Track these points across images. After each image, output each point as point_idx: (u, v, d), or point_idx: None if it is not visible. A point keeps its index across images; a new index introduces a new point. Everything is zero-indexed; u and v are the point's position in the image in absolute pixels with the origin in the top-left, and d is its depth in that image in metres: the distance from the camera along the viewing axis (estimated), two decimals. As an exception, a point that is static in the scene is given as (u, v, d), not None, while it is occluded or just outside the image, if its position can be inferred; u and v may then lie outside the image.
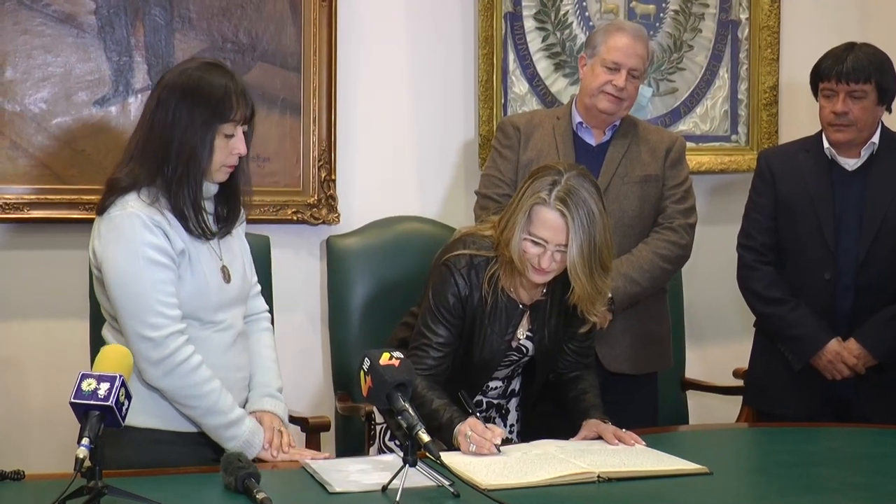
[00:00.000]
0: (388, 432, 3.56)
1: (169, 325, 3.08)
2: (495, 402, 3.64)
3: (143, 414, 3.09)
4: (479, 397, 3.61)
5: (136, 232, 3.08)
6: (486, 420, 3.55)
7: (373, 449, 3.70)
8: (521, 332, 3.53)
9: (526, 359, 3.59)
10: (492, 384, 3.61)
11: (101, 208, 3.17)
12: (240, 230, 3.38)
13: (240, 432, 3.15)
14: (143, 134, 3.16)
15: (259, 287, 3.52)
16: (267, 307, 3.54)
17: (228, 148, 3.15)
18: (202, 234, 3.18)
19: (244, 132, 3.19)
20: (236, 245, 3.34)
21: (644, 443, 3.33)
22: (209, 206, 3.23)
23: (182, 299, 3.14)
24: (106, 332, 3.28)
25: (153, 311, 3.07)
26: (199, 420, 3.16)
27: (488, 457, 3.12)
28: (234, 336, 3.27)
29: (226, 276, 3.25)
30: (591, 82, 4.10)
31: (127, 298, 3.09)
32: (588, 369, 3.67)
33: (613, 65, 4.04)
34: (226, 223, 3.28)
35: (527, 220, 3.33)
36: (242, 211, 3.35)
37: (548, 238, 3.30)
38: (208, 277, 3.19)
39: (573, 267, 3.30)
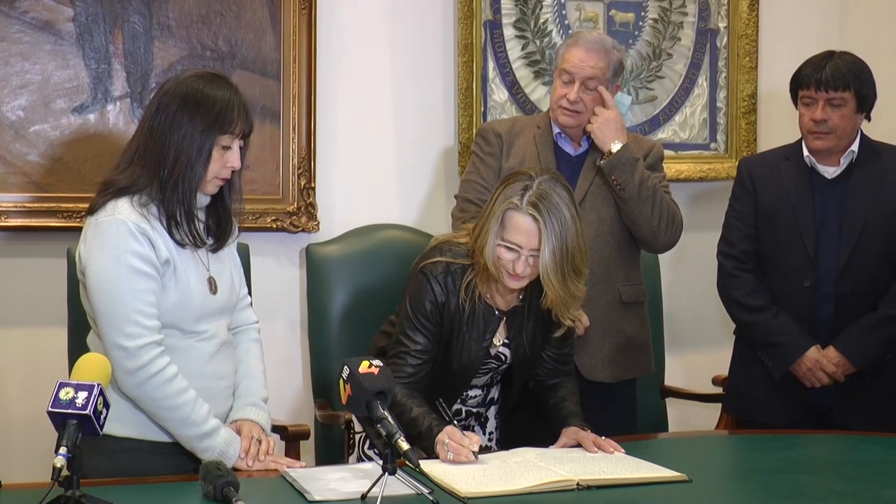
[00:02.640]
0: (367, 441, 3.56)
1: (145, 335, 3.06)
2: (475, 410, 3.63)
3: (117, 423, 3.07)
4: (458, 406, 3.60)
5: (120, 238, 3.07)
6: (465, 428, 3.55)
7: (352, 458, 3.70)
8: (499, 339, 3.53)
9: (504, 366, 3.59)
10: (471, 392, 3.60)
11: (92, 208, 3.15)
12: (230, 241, 3.37)
13: (214, 443, 3.13)
14: (143, 137, 3.16)
15: (249, 299, 3.51)
16: (257, 319, 3.52)
17: (223, 160, 3.15)
18: (192, 242, 3.17)
19: (240, 147, 3.19)
20: (226, 256, 3.33)
21: (623, 450, 3.33)
22: (199, 216, 3.23)
23: (164, 308, 3.12)
24: (90, 339, 3.27)
25: (130, 321, 3.05)
26: (173, 431, 3.14)
27: (468, 465, 3.12)
28: (216, 346, 3.26)
29: (212, 286, 3.24)
30: (552, 96, 4.14)
31: (106, 305, 3.07)
32: (568, 376, 3.67)
33: (567, 77, 4.06)
34: (217, 238, 3.28)
35: (500, 227, 3.34)
36: (236, 226, 3.35)
37: (521, 243, 3.31)
38: (193, 288, 3.17)
39: (545, 271, 3.31)
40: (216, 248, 3.28)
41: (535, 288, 3.45)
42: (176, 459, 3.17)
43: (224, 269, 3.31)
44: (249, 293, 3.54)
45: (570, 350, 3.69)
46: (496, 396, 3.67)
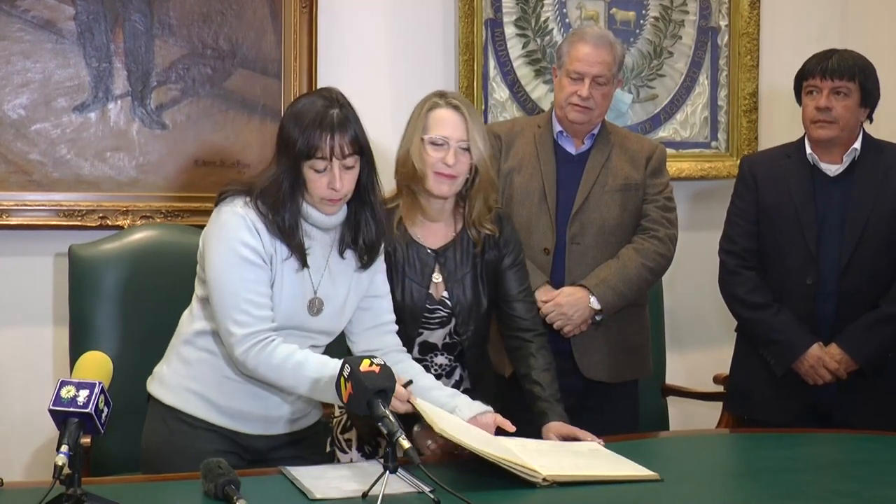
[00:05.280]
0: (341, 425, 3.56)
1: (252, 324, 3.12)
2: None
3: (171, 393, 3.25)
4: None
5: (236, 230, 3.14)
6: None
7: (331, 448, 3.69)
8: (438, 278, 3.57)
9: (454, 317, 3.60)
10: (437, 360, 3.62)
11: (218, 198, 3.23)
12: (373, 270, 3.36)
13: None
14: None
15: (395, 327, 3.46)
16: (401, 344, 3.48)
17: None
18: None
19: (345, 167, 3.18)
20: (350, 281, 3.31)
21: (601, 441, 3.35)
22: (312, 232, 3.24)
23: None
24: (184, 316, 3.37)
25: (239, 309, 3.12)
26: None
27: (457, 418, 3.18)
28: None
29: (314, 308, 3.25)
30: (559, 94, 4.12)
31: (219, 293, 3.15)
32: (539, 337, 3.68)
33: (576, 75, 4.05)
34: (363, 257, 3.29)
35: (424, 127, 3.49)
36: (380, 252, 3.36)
37: (448, 135, 3.46)
38: (283, 301, 3.19)
39: (481, 158, 3.47)
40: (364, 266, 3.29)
41: (464, 235, 3.58)
42: (223, 441, 3.22)
43: (339, 293, 3.29)
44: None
45: (528, 295, 3.71)
46: (469, 386, 3.67)
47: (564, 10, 4.88)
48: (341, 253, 3.28)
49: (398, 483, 2.80)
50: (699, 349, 5.15)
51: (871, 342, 4.05)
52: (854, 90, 4.05)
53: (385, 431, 2.78)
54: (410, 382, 3.13)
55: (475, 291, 3.59)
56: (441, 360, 3.63)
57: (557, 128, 4.14)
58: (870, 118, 4.15)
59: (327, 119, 3.13)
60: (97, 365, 2.77)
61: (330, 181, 3.13)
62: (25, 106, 4.22)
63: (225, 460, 2.82)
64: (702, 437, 3.95)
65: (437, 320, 3.58)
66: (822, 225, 4.09)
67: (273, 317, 3.16)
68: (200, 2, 4.38)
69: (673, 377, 4.84)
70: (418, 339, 3.59)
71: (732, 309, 4.27)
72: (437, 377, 3.55)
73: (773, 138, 4.85)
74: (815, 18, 5.26)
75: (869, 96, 4.08)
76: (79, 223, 4.24)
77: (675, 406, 4.81)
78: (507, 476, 2.98)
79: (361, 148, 3.19)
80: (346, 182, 3.16)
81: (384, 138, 4.71)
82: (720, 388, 4.54)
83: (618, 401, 4.11)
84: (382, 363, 2.87)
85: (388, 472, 2.77)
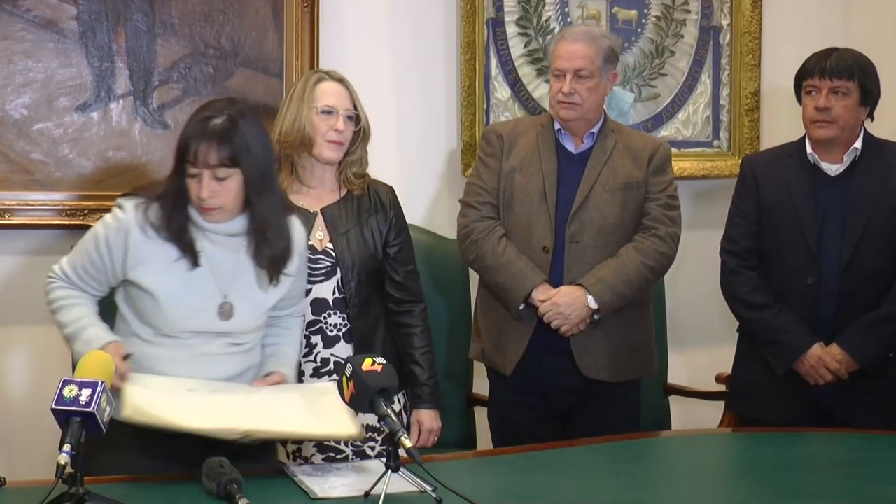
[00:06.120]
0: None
1: (62, 280, 3.30)
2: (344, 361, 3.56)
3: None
4: (326, 353, 3.74)
5: (109, 221, 3.24)
6: None
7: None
8: (321, 234, 3.73)
9: (340, 269, 3.72)
10: (330, 320, 3.71)
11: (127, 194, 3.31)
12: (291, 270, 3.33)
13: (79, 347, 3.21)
14: None
15: (300, 310, 3.52)
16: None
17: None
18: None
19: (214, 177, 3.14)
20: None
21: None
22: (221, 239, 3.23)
23: (143, 310, 3.23)
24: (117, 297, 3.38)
25: (69, 264, 3.31)
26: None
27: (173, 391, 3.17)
28: (196, 354, 3.24)
29: (225, 312, 3.22)
30: (549, 94, 4.13)
31: (78, 244, 3.34)
32: (423, 313, 3.91)
33: (558, 71, 4.06)
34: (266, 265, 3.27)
35: (313, 98, 3.74)
36: (291, 261, 3.33)
37: (335, 104, 3.74)
38: (179, 307, 3.18)
39: (367, 122, 3.79)
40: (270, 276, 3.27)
41: (349, 197, 3.80)
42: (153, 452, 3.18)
43: (250, 297, 3.26)
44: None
45: (414, 269, 3.93)
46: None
47: (566, 10, 4.88)
48: (255, 259, 3.23)
49: (400, 482, 2.80)
50: (701, 348, 5.15)
51: (871, 342, 4.04)
52: (853, 89, 4.05)
53: (387, 430, 2.79)
54: (129, 356, 3.16)
55: (360, 246, 3.75)
56: (335, 319, 3.73)
57: (558, 126, 4.14)
58: (871, 117, 4.14)
59: (205, 126, 3.11)
60: (99, 364, 2.78)
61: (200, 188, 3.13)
62: (28, 105, 4.22)
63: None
64: (704, 437, 3.95)
65: (321, 271, 3.69)
66: (822, 225, 4.08)
67: (80, 287, 3.27)
68: (202, 1, 4.39)
69: (675, 376, 4.83)
70: (310, 298, 3.68)
71: (733, 309, 4.26)
72: (335, 340, 3.71)
73: (775, 137, 4.84)
74: (817, 17, 5.25)
75: (869, 95, 4.08)
76: (81, 223, 4.24)
77: (677, 405, 4.81)
78: (508, 475, 2.98)
79: (238, 163, 3.10)
80: (217, 193, 3.12)
81: (386, 138, 4.73)
82: (722, 388, 4.54)
83: (619, 400, 4.10)
84: (384, 362, 2.88)
85: (390, 471, 2.77)
